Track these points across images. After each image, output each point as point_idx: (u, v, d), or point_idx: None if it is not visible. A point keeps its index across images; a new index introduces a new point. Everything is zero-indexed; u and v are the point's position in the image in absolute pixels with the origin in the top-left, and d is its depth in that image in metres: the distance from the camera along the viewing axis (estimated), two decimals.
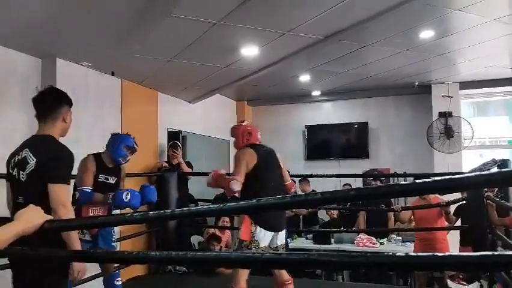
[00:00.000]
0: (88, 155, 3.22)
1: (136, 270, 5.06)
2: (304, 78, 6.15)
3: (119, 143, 3.28)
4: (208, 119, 6.96)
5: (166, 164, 5.50)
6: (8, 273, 2.22)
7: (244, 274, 3.09)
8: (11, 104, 3.92)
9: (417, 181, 1.05)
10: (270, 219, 3.13)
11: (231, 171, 7.53)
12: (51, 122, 2.29)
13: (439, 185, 1.04)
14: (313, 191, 6.19)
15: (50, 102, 2.32)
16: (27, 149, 2.19)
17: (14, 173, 2.19)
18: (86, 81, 4.57)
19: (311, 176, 5.53)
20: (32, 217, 1.20)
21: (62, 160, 2.16)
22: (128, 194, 3.11)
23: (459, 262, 0.99)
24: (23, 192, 2.15)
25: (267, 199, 1.09)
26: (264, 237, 3.06)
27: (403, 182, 1.05)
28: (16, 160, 2.20)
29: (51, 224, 1.25)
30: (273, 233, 3.13)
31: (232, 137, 3.54)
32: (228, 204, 1.05)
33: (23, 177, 2.14)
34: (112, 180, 3.27)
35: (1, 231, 1.09)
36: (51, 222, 1.25)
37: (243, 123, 3.58)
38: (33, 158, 2.14)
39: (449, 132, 6.40)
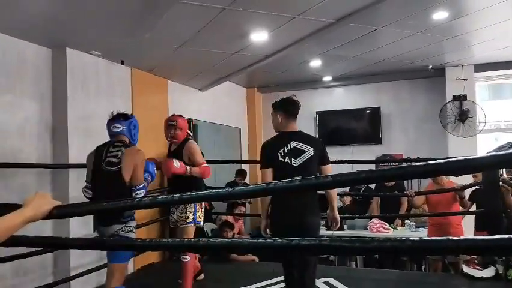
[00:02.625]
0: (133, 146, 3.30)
1: (151, 257, 5.12)
2: (315, 63, 6.07)
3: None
4: (218, 106, 6.95)
5: None
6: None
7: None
8: (24, 94, 3.95)
9: (431, 162, 1.02)
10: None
11: (242, 157, 7.62)
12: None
13: (452, 166, 1.01)
14: None
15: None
16: (296, 141, 2.95)
17: (285, 160, 2.91)
18: (96, 71, 4.57)
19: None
20: (41, 203, 1.22)
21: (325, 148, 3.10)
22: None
23: (473, 246, 0.97)
24: (298, 174, 2.75)
25: (276, 182, 1.08)
26: None
27: (416, 164, 1.02)
28: (286, 150, 2.92)
29: (59, 210, 1.26)
30: None
31: (179, 126, 3.77)
32: (237, 188, 1.04)
33: (295, 163, 2.89)
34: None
35: (11, 218, 1.10)
36: (59, 208, 1.27)
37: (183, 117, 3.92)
38: (310, 148, 2.95)
39: (463, 116, 6.29)
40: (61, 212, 1.29)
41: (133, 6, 3.40)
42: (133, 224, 3.09)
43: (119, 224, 3.00)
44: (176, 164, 3.56)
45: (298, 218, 2.85)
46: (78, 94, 4.28)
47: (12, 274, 3.68)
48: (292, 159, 2.90)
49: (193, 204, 3.70)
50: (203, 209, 3.84)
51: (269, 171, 2.91)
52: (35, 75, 4.07)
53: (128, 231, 3.03)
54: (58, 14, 3.45)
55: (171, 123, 3.80)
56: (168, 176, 3.81)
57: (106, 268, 3.20)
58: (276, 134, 3.13)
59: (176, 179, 3.71)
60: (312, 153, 2.94)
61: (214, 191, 1.20)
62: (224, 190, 1.16)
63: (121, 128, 3.15)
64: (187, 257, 3.72)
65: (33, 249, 3.39)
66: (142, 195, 3.00)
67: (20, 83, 3.93)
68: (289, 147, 2.93)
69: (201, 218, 3.81)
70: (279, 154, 2.91)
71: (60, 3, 3.25)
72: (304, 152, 2.94)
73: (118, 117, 3.22)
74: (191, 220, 3.71)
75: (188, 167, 3.63)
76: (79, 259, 4.08)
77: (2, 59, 3.74)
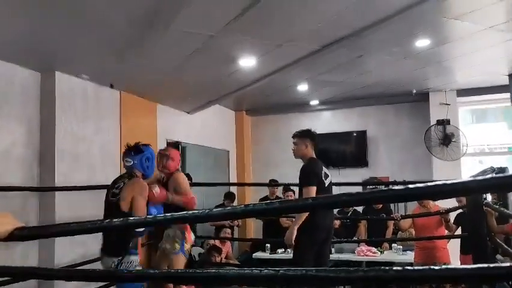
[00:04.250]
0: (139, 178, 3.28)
1: None
2: (303, 87, 6.17)
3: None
4: (207, 129, 6.98)
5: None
6: None
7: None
8: (10, 117, 3.94)
9: (411, 186, 1.05)
10: None
11: (231, 180, 7.59)
12: None
13: (432, 190, 1.05)
14: None
15: None
16: (325, 168, 3.63)
17: (324, 181, 3.52)
18: (85, 94, 4.59)
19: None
20: (5, 224, 1.18)
21: None
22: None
23: (455, 275, 1.00)
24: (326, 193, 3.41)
25: (255, 204, 1.11)
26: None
27: (397, 187, 1.06)
28: (323, 173, 3.54)
29: (21, 232, 1.22)
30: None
31: (171, 156, 3.75)
32: (214, 210, 1.07)
33: (325, 184, 3.51)
34: None
35: None
36: (21, 229, 1.22)
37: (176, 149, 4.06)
38: (329, 174, 3.64)
39: (447, 140, 6.41)
40: (23, 234, 1.22)
41: (122, 32, 3.45)
42: (133, 258, 2.94)
43: (115, 256, 2.89)
44: (156, 190, 3.44)
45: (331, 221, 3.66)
46: (66, 117, 4.28)
47: None
48: (325, 180, 3.52)
49: (181, 236, 3.61)
50: (191, 243, 3.76)
51: (315, 189, 3.38)
52: (23, 99, 4.07)
53: (128, 267, 2.86)
54: (47, 38, 3.48)
55: (163, 153, 3.78)
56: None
57: None
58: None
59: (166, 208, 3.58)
60: (331, 179, 3.63)
61: (190, 212, 1.20)
62: (201, 211, 1.15)
63: (131, 163, 3.13)
64: None
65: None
66: (142, 229, 2.88)
67: (7, 106, 3.92)
68: (323, 171, 3.55)
69: (188, 251, 3.72)
70: (322, 175, 3.50)
71: (49, 29, 3.29)
72: (328, 176, 3.61)
73: (129, 151, 3.16)
74: (177, 250, 3.60)
75: (169, 194, 3.54)
76: (63, 285, 4.00)
77: None
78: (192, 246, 3.93)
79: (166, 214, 1.23)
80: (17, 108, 4.00)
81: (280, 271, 1.03)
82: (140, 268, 2.93)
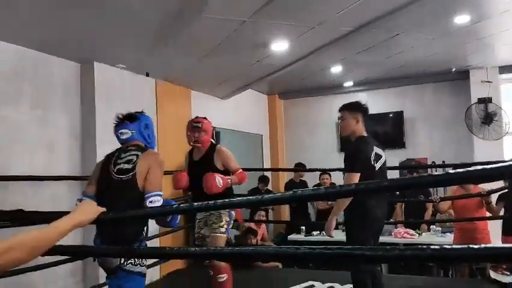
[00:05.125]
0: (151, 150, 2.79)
1: (176, 264, 5.21)
2: (336, 69, 6.09)
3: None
4: (240, 114, 7.03)
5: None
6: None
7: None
8: (54, 108, 4.11)
9: (450, 171, 1.05)
10: None
11: (264, 164, 7.63)
12: None
13: (473, 174, 1.04)
14: (332, 183, 6.19)
15: None
16: (377, 147, 3.02)
17: (374, 164, 2.93)
18: (122, 83, 4.72)
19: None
20: (88, 209, 1.34)
21: None
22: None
23: (494, 254, 0.99)
24: (378, 178, 2.80)
25: (302, 190, 1.14)
26: None
27: (435, 173, 1.05)
28: (373, 155, 2.94)
29: (105, 216, 1.39)
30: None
31: (203, 128, 3.45)
32: (266, 196, 1.10)
33: (376, 167, 2.93)
34: None
35: (62, 223, 1.19)
36: (105, 213, 1.40)
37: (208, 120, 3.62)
38: (384, 153, 3.06)
39: (488, 119, 6.18)
40: (106, 218, 1.39)
41: (156, 22, 3.52)
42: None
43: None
44: (219, 182, 3.19)
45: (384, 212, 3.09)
46: (105, 106, 4.42)
47: (42, 282, 3.81)
48: (376, 163, 2.94)
49: (229, 215, 3.39)
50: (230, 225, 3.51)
51: (357, 177, 2.85)
52: (64, 90, 4.23)
53: (136, 264, 2.38)
54: (87, 31, 3.60)
55: (195, 125, 3.45)
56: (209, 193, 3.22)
57: None
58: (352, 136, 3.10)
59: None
60: (384, 159, 3.04)
61: (245, 198, 1.27)
62: (254, 198, 1.22)
63: (130, 133, 2.59)
64: (224, 275, 3.29)
65: (63, 257, 3.52)
66: (159, 204, 2.35)
67: (51, 97, 4.09)
68: (374, 152, 2.96)
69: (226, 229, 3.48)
70: (372, 157, 2.92)
71: (87, 21, 3.39)
72: (381, 156, 3.01)
73: (122, 122, 2.62)
74: (224, 230, 3.39)
75: (229, 181, 3.29)
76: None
77: (33, 74, 3.92)
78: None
79: (225, 200, 1.27)
80: (59, 99, 4.17)
81: (317, 249, 1.06)
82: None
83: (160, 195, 2.38)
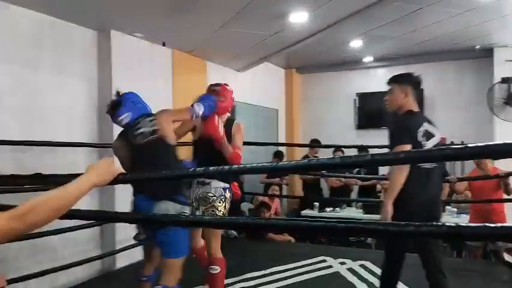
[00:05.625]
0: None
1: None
2: (356, 43, 5.94)
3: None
4: (256, 88, 6.97)
5: None
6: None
7: (219, 243, 3.03)
8: (72, 75, 4.13)
9: (470, 145, 1.02)
10: None
11: (279, 139, 7.63)
12: None
13: (493, 149, 1.00)
14: None
15: None
16: (426, 123, 2.70)
17: (422, 142, 2.61)
18: (139, 52, 4.70)
19: (361, 146, 5.42)
20: (105, 171, 1.30)
21: None
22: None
23: (510, 233, 0.96)
24: None
25: (318, 159, 1.12)
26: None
27: (455, 146, 1.02)
28: (422, 131, 2.64)
29: (124, 176, 1.42)
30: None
31: (222, 93, 3.12)
32: (280, 163, 1.09)
33: (426, 145, 2.61)
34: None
35: (81, 184, 1.18)
36: (124, 174, 1.42)
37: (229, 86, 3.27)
38: (437, 132, 2.73)
39: (511, 100, 6.00)
40: (125, 178, 1.41)
41: None
42: (186, 210, 2.55)
43: (172, 204, 2.45)
44: (221, 127, 2.95)
45: (437, 193, 2.75)
46: (122, 75, 4.42)
47: (61, 246, 3.92)
48: (425, 142, 2.62)
49: (223, 198, 3.02)
50: (229, 204, 3.12)
51: (408, 148, 2.55)
52: (82, 57, 4.24)
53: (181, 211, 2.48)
54: None
55: (213, 88, 3.19)
56: (206, 133, 2.97)
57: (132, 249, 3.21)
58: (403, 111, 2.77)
59: (205, 155, 3.04)
60: (439, 139, 2.72)
61: (260, 164, 1.27)
62: (269, 164, 1.22)
63: (127, 114, 2.57)
64: (217, 267, 2.97)
65: (81, 222, 3.60)
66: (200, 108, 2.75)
67: (69, 64, 4.10)
68: (423, 128, 2.66)
69: (225, 214, 3.11)
70: (418, 133, 2.61)
71: None
72: (433, 136, 2.68)
73: (114, 109, 2.59)
74: (221, 215, 3.03)
75: (225, 137, 2.96)
76: (124, 233, 4.28)
77: (52, 41, 3.92)
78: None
79: (246, 164, 1.26)
80: (77, 66, 4.18)
81: (330, 222, 1.05)
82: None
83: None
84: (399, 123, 2.73)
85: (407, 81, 2.80)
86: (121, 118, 2.57)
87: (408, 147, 2.54)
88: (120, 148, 2.62)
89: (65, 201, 1.11)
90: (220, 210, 3.00)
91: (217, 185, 3.01)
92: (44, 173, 3.28)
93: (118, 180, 1.36)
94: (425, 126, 2.66)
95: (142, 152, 2.50)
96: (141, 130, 2.51)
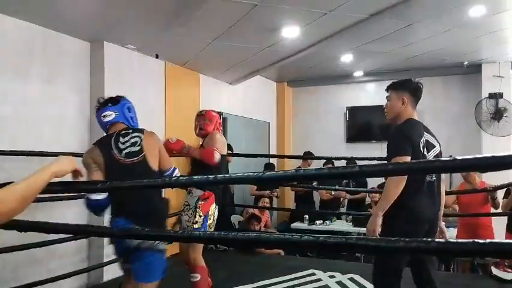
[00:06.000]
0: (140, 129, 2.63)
1: (177, 247, 5.25)
2: (347, 58, 6.02)
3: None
4: (248, 100, 7.00)
5: None
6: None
7: (200, 251, 3.21)
8: (64, 86, 4.12)
9: (459, 158, 1.04)
10: None
11: (271, 151, 7.63)
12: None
13: (481, 162, 1.03)
14: None
15: None
16: (426, 133, 2.56)
17: (423, 152, 2.47)
18: (132, 64, 4.71)
19: (351, 158, 5.45)
20: (65, 162, 1.39)
21: None
22: None
23: (500, 250, 0.98)
24: None
25: (306, 169, 1.13)
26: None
27: (444, 158, 1.05)
28: (423, 141, 2.51)
29: (103, 185, 1.51)
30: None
31: (207, 117, 3.43)
32: (267, 173, 1.09)
33: (427, 157, 2.48)
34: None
35: (43, 173, 1.25)
36: (103, 183, 1.51)
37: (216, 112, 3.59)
38: (437, 143, 2.61)
39: (498, 115, 6.11)
40: (106, 187, 1.48)
41: (167, 2, 3.49)
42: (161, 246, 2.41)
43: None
44: (172, 139, 3.16)
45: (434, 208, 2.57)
46: (114, 86, 4.41)
47: (47, 259, 3.86)
48: (426, 153, 2.48)
49: (203, 210, 3.14)
50: (215, 218, 3.24)
51: (408, 159, 2.39)
52: (74, 68, 4.23)
53: (156, 243, 2.34)
54: (97, 9, 3.58)
55: (200, 113, 3.50)
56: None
57: None
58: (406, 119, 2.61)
59: (194, 167, 3.31)
60: (439, 150, 2.60)
61: (244, 173, 1.25)
62: (254, 174, 1.21)
63: (113, 115, 2.51)
64: (197, 275, 3.10)
65: (68, 234, 3.56)
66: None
67: (60, 74, 4.09)
68: (424, 138, 2.51)
69: (211, 227, 3.23)
70: (420, 143, 2.47)
71: (99, 0, 3.37)
72: (434, 146, 2.56)
73: (105, 105, 2.55)
74: (200, 226, 3.13)
75: (186, 143, 3.19)
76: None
77: (43, 51, 3.91)
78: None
79: (225, 175, 1.26)
80: (68, 77, 4.17)
81: (320, 238, 1.06)
82: None
83: (175, 169, 2.58)
84: (399, 132, 2.54)
85: (404, 88, 2.64)
86: (104, 114, 2.51)
87: (407, 158, 2.38)
88: (96, 156, 2.40)
89: (30, 190, 1.17)
90: (196, 221, 3.13)
91: (196, 194, 3.17)
92: None
93: (97, 188, 1.38)
94: (426, 136, 2.54)
95: (121, 172, 2.33)
96: (128, 149, 2.40)
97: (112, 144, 2.41)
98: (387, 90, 2.72)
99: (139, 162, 2.39)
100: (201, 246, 3.11)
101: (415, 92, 2.64)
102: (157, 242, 2.31)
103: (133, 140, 2.43)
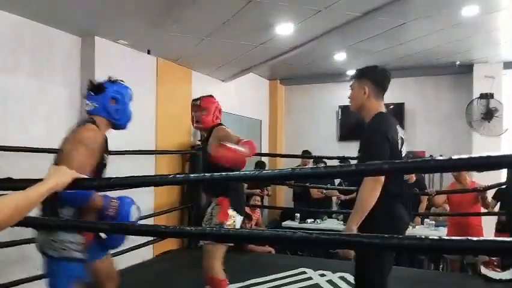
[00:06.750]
0: (90, 124, 2.21)
1: (169, 244, 5.22)
2: (340, 56, 6.02)
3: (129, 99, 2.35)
4: (240, 98, 6.97)
5: (199, 142, 5.58)
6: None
7: (219, 259, 2.83)
8: (53, 80, 4.06)
9: (454, 157, 1.03)
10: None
11: (263, 150, 7.61)
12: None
13: (474, 162, 1.02)
14: None
15: None
16: (398, 127, 2.29)
17: (400, 149, 2.26)
18: (123, 60, 4.65)
19: (344, 157, 5.46)
20: (62, 174, 1.35)
21: None
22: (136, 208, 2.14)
23: (493, 247, 0.98)
24: None
25: (302, 168, 1.11)
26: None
27: (439, 158, 1.04)
28: (400, 137, 2.25)
29: (79, 181, 1.39)
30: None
31: (203, 106, 3.02)
32: (264, 171, 1.08)
33: (402, 152, 2.26)
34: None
35: (40, 186, 1.22)
36: (81, 180, 1.40)
37: (214, 97, 3.14)
38: (404, 135, 2.32)
39: (489, 115, 6.15)
40: (80, 183, 1.39)
41: None
42: (70, 237, 2.03)
43: (44, 233, 2.03)
44: (228, 147, 2.63)
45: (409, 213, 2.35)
46: None
47: (37, 255, 3.79)
48: (401, 147, 2.27)
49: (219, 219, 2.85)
50: (235, 225, 2.93)
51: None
52: (65, 63, 4.17)
53: (57, 248, 2.01)
54: (88, 3, 3.52)
55: (194, 103, 3.07)
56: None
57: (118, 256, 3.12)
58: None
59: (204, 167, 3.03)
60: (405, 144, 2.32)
61: (241, 172, 1.23)
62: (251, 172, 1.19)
63: (92, 107, 2.23)
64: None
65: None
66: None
67: (50, 70, 4.04)
68: (399, 134, 2.25)
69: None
70: (399, 140, 2.22)
71: None
72: (404, 141, 2.30)
73: (91, 89, 2.27)
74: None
75: (236, 147, 2.68)
76: None
77: (33, 45, 3.85)
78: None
79: (222, 173, 1.21)
80: (59, 72, 4.12)
81: (313, 234, 1.05)
82: None
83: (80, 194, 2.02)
84: (374, 128, 2.23)
85: (366, 77, 2.30)
86: (86, 103, 2.25)
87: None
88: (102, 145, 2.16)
89: (27, 202, 1.15)
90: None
91: (214, 201, 2.97)
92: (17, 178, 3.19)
93: (73, 184, 1.35)
94: (399, 131, 2.28)
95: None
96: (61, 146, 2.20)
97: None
98: (350, 79, 2.42)
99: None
100: (217, 253, 2.74)
101: (380, 82, 2.30)
102: (54, 247, 2.00)
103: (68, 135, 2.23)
